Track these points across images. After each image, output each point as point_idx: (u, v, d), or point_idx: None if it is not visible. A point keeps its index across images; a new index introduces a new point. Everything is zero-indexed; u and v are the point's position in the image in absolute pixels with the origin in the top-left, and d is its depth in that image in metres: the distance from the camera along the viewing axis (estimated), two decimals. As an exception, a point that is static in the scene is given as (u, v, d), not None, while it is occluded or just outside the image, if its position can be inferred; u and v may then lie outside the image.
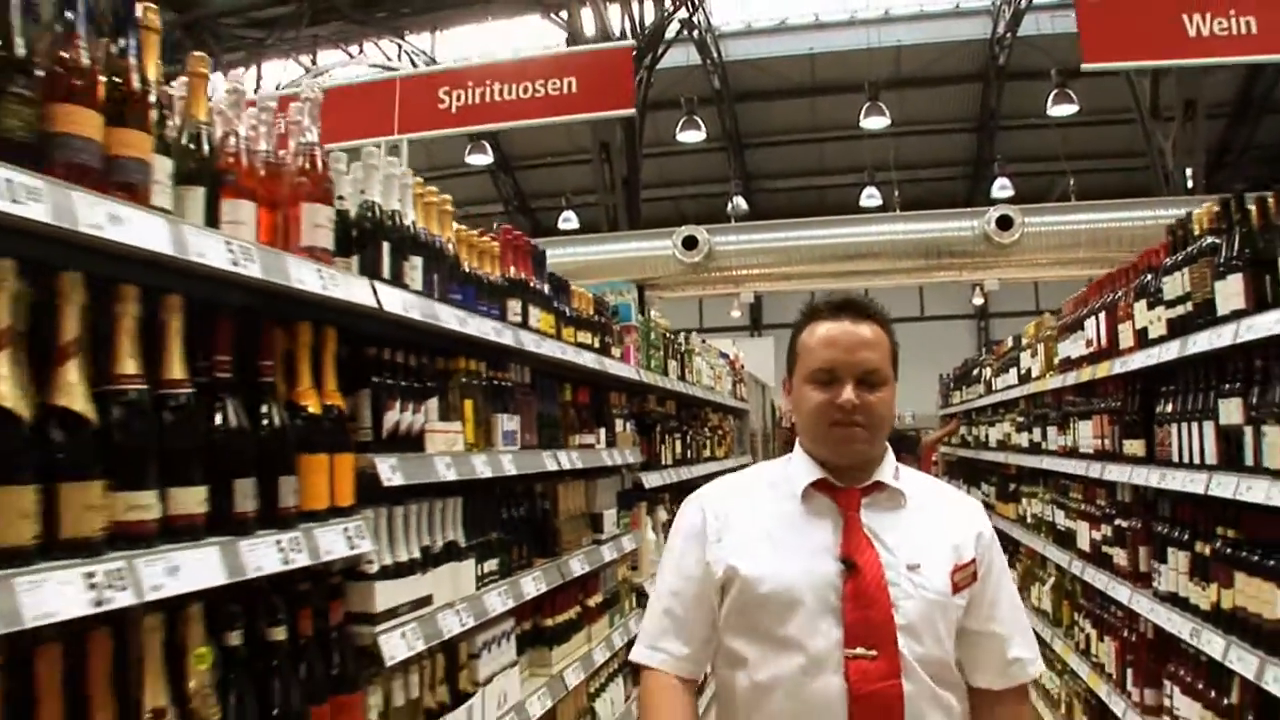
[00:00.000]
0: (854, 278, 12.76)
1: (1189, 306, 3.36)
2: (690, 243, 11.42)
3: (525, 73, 7.14)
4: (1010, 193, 18.45)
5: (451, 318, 2.69)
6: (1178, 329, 3.47)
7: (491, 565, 2.99)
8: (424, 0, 17.92)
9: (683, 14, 16.12)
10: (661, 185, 21.03)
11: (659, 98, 16.94)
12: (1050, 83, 15.62)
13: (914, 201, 21.46)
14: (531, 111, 7.15)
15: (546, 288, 3.67)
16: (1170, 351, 3.50)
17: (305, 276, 2.04)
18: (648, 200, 17.99)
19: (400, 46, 19.11)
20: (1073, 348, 5.06)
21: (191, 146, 1.84)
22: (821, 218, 12.80)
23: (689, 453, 6.13)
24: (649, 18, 15.56)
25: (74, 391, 1.53)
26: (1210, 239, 3.25)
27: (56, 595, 1.39)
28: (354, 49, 19.25)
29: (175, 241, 1.67)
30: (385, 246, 2.44)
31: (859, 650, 1.88)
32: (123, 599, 1.49)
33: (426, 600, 2.56)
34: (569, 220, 20.31)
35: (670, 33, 16.08)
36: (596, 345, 4.21)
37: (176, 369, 1.75)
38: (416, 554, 2.55)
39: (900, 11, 19.77)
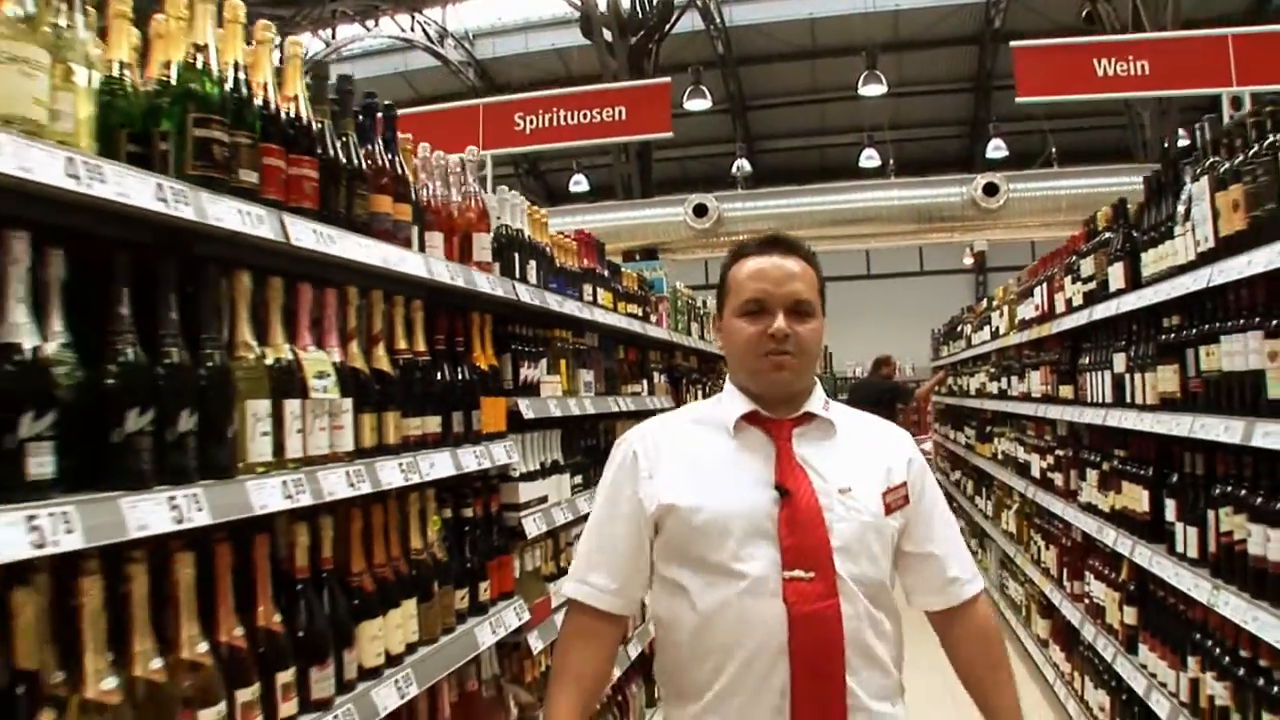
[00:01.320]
0: (852, 240, 13.92)
1: (1094, 284, 4.54)
2: (700, 210, 12.53)
3: (585, 102, 8.46)
4: (1004, 153, 19.49)
5: (553, 301, 3.85)
6: (1089, 300, 4.65)
7: (579, 479, 4.18)
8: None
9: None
10: (669, 147, 22.02)
11: (665, 62, 17.96)
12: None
13: (912, 160, 22.54)
14: (590, 134, 8.48)
15: (606, 272, 4.84)
16: (1084, 317, 4.68)
17: (481, 282, 3.20)
18: (656, 161, 19.09)
19: (413, 18, 20.06)
20: (1026, 310, 6.25)
21: (418, 204, 2.98)
22: (821, 185, 13.91)
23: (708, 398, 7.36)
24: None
25: (382, 359, 2.69)
26: (1107, 233, 4.41)
27: (391, 473, 2.55)
28: (370, 23, 20.19)
29: (428, 269, 2.82)
30: (516, 256, 3.60)
31: (796, 572, 1.94)
32: (414, 479, 2.66)
33: (544, 499, 3.75)
34: (579, 183, 21.38)
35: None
36: (640, 314, 5.38)
37: (421, 344, 2.91)
38: (537, 466, 3.74)
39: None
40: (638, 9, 15.47)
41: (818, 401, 2.13)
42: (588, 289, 4.46)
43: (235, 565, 2.02)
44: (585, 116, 8.64)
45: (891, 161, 20.85)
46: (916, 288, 24.14)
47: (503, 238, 3.55)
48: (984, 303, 8.93)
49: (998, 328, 7.72)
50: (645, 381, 5.47)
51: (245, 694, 1.95)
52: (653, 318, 5.73)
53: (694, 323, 7.00)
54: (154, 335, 1.83)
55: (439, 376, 2.95)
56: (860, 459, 2.10)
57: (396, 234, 2.71)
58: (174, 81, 1.96)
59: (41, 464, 1.54)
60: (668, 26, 16.34)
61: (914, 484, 2.13)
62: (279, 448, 2.12)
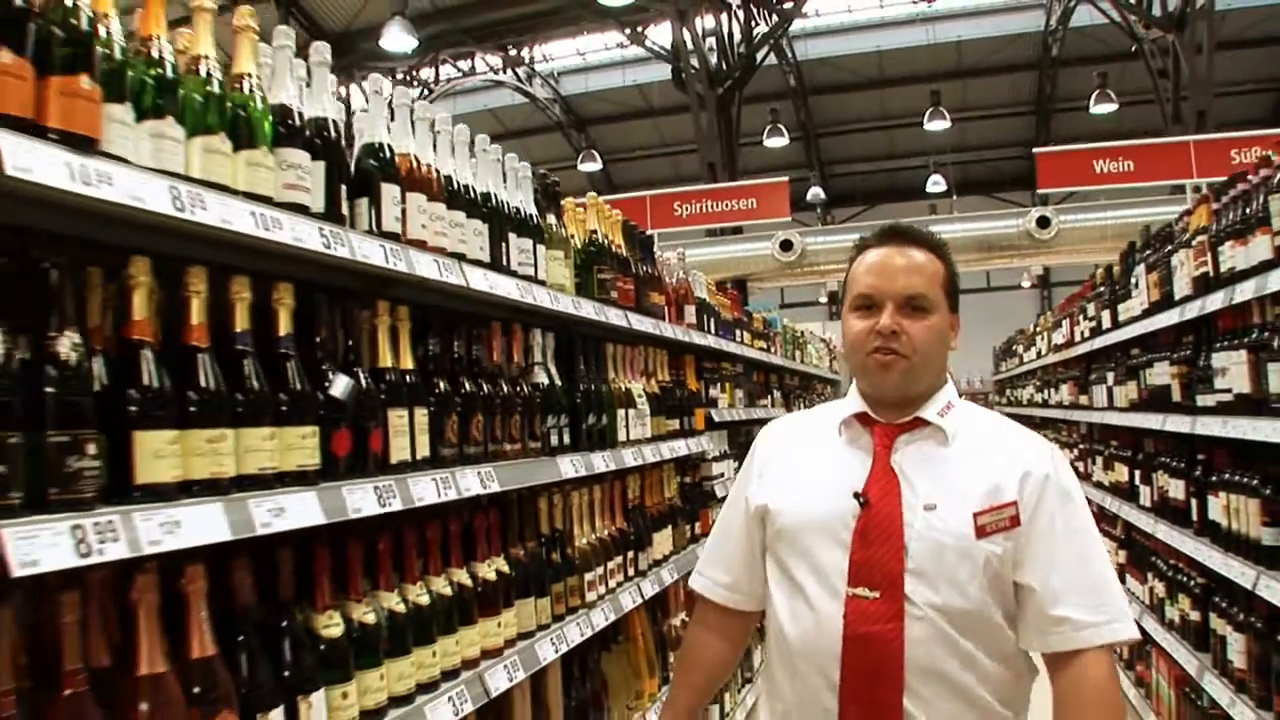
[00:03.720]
0: (921, 265, 16.04)
1: (1094, 322, 6.70)
2: (786, 245, 14.73)
3: (725, 195, 10.86)
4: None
5: (727, 345, 6.09)
6: (1092, 334, 6.81)
7: (737, 464, 6.43)
8: (527, 21, 21.27)
9: (763, 28, 19.30)
10: (744, 175, 24.28)
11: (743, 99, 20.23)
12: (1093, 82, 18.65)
13: (975, 180, 24.58)
14: (729, 217, 10.87)
15: (747, 318, 7.09)
16: (1089, 346, 6.84)
17: (695, 337, 5.43)
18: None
19: (504, 59, 22.52)
20: (1057, 337, 8.39)
21: (664, 292, 5.20)
22: (891, 221, 16.05)
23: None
24: (736, 34, 18.79)
25: (654, 386, 4.92)
26: (1102, 287, 6.57)
27: (664, 450, 4.77)
28: (464, 63, 22.68)
29: (673, 333, 5.07)
30: (705, 316, 5.84)
31: (860, 590, 1.90)
32: (668, 455, 4.88)
33: (722, 474, 5.97)
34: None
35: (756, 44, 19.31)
36: (765, 347, 7.62)
37: (667, 376, 5.14)
38: (719, 453, 5.97)
39: (959, 7, 22.73)
40: (723, 64, 17.77)
41: (935, 406, 2.04)
42: (738, 332, 6.70)
43: (610, 498, 4.23)
44: (725, 205, 11.07)
45: (955, 195, 22.80)
46: (982, 304, 26.01)
47: (697, 303, 5.80)
48: (1032, 327, 11.08)
49: (1040, 349, 9.85)
50: (769, 397, 7.70)
51: (613, 562, 4.15)
52: (772, 349, 7.96)
53: (797, 350, 9.22)
54: (573, 375, 4.01)
55: (676, 395, 5.17)
56: (963, 473, 1.96)
57: (658, 314, 4.95)
58: (591, 248, 4.16)
59: (562, 439, 3.75)
60: (751, 77, 18.60)
61: (1026, 503, 1.93)
62: (626, 434, 4.35)
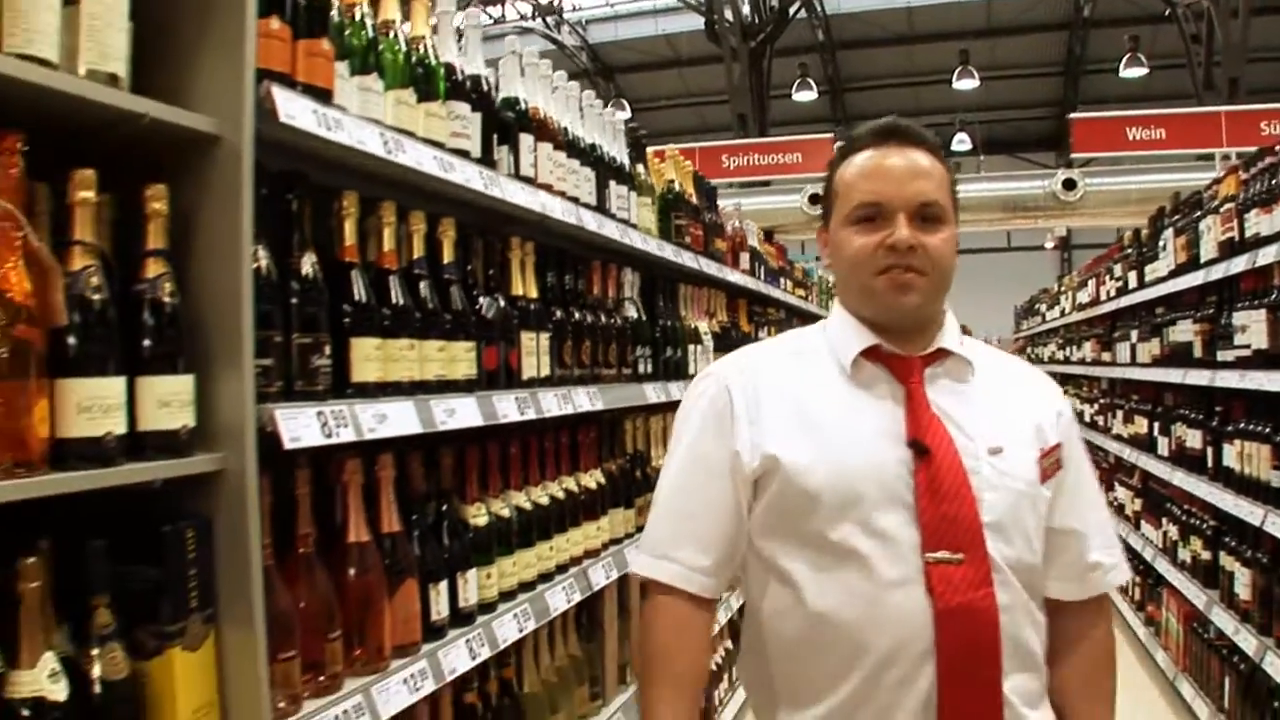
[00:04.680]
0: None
1: (1120, 282, 7.00)
2: (815, 199, 14.96)
3: (772, 149, 11.18)
4: (1091, 137, 21.57)
5: (774, 291, 6.41)
6: (1118, 293, 7.11)
7: None
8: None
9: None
10: (773, 128, 24.41)
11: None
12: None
13: (1000, 140, 24.66)
14: (776, 170, 11.19)
15: (789, 267, 7.39)
16: (1115, 305, 7.14)
17: (749, 282, 5.75)
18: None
19: (534, 7, 22.55)
20: (1082, 296, 8.69)
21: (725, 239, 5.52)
22: (888, 118, 16.25)
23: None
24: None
25: (715, 325, 5.26)
26: (1130, 249, 6.86)
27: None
28: (494, 10, 22.72)
29: (731, 278, 5.38)
30: (756, 263, 6.15)
31: (942, 554, 1.61)
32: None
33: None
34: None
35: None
36: (803, 295, 7.93)
37: (725, 316, 5.47)
38: None
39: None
40: (755, 18, 17.90)
41: (952, 335, 1.76)
42: (782, 280, 7.01)
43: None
44: (773, 159, 11.34)
45: (982, 155, 22.85)
46: (1002, 264, 26.22)
47: (750, 251, 6.11)
48: (1055, 286, 11.38)
49: (1064, 308, 10.15)
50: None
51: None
52: (809, 297, 8.27)
53: (830, 299, 9.54)
54: (654, 311, 4.33)
55: (733, 335, 5.50)
56: (1008, 411, 1.74)
57: (721, 259, 5.27)
58: (669, 195, 4.48)
59: (646, 367, 4.09)
60: (783, 30, 18.72)
61: (1065, 444, 1.78)
62: (695, 367, 4.68)
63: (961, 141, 22.76)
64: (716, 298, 5.25)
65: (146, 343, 1.67)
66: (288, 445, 1.80)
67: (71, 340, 1.53)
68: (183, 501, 1.79)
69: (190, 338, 1.75)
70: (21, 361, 1.45)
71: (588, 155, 3.42)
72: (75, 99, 1.56)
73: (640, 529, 3.77)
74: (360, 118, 2.16)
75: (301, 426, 1.85)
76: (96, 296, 1.57)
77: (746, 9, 17.99)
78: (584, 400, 3.17)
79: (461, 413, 2.41)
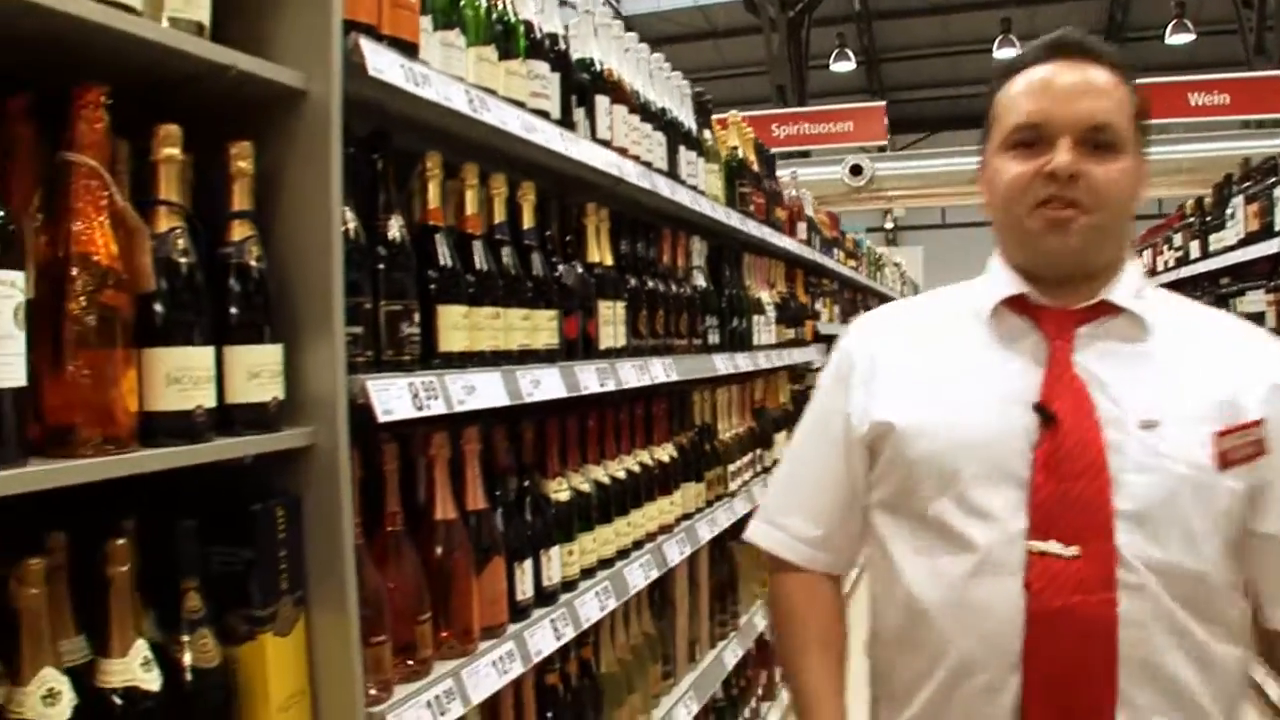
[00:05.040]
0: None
1: (1181, 252, 6.77)
2: (856, 170, 14.73)
3: (822, 118, 10.94)
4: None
5: (828, 262, 6.24)
6: (1178, 263, 6.89)
7: None
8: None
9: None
10: (811, 99, 24.10)
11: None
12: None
13: (1040, 111, 24.14)
14: (826, 139, 10.94)
15: (841, 238, 7.22)
16: (1174, 275, 6.92)
17: (807, 251, 5.59)
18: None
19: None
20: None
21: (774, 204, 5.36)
22: (963, 147, 15.95)
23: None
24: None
25: (775, 295, 5.10)
26: (1192, 218, 6.63)
27: (786, 358, 4.95)
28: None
29: (791, 247, 5.22)
30: (813, 233, 5.98)
31: (1051, 545, 1.32)
32: (788, 362, 5.07)
33: (823, 384, 6.18)
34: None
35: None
36: (854, 266, 7.75)
37: (784, 287, 5.31)
38: (821, 364, 6.16)
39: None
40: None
41: (1126, 286, 1.45)
42: (834, 251, 6.84)
43: (744, 397, 4.43)
44: (823, 128, 11.12)
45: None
46: (1040, 233, 25.72)
47: (807, 221, 5.94)
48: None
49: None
50: (857, 314, 7.87)
51: (746, 457, 4.37)
52: (859, 269, 8.10)
53: (877, 271, 9.35)
54: (720, 281, 4.20)
55: (791, 306, 5.35)
56: (1183, 378, 1.40)
57: (781, 228, 5.11)
58: (733, 162, 4.33)
59: (714, 338, 3.95)
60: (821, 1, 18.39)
61: (1275, 423, 1.37)
62: (758, 338, 4.54)
63: (1001, 112, 22.26)
64: (776, 268, 5.10)
65: (234, 310, 1.55)
66: (381, 418, 1.68)
67: (160, 307, 1.41)
68: (269, 478, 1.67)
69: (277, 305, 1.62)
70: (109, 330, 1.33)
71: (659, 119, 3.27)
72: (159, 48, 1.43)
73: (710, 504, 3.70)
74: (443, 74, 2.02)
75: (393, 398, 1.72)
76: (184, 260, 1.45)
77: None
78: (660, 371, 3.04)
79: (546, 384, 2.28)
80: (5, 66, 1.41)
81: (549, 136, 2.38)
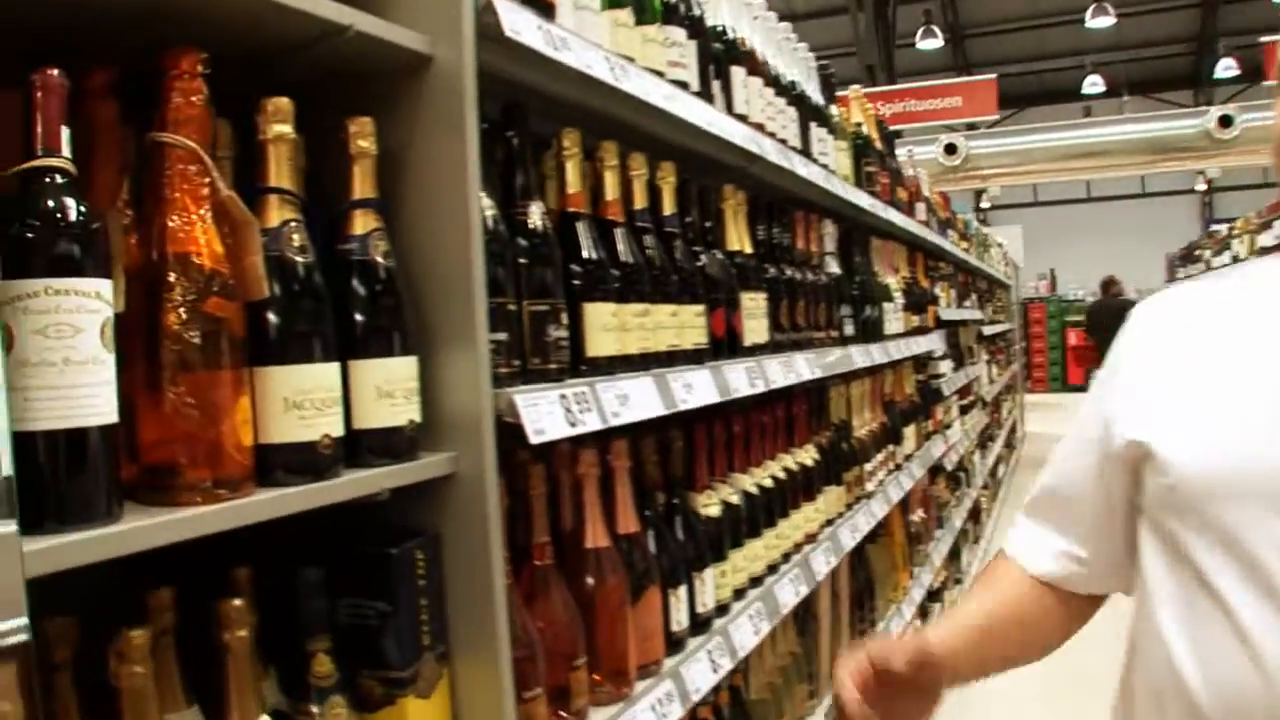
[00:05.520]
0: (1084, 172, 15.30)
1: None
2: (950, 149, 14.17)
3: (930, 93, 10.49)
4: (1235, 72, 20.10)
5: (945, 243, 5.84)
6: None
7: (955, 363, 6.20)
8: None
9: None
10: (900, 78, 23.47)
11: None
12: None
13: (1134, 81, 23.25)
14: (936, 115, 10.46)
15: (953, 217, 6.80)
16: None
17: (925, 232, 5.20)
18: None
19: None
20: (1265, 239, 7.88)
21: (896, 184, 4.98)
22: (1059, 123, 15.28)
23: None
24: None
25: (900, 280, 4.73)
26: None
27: (910, 348, 4.58)
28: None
29: (912, 229, 4.84)
30: (934, 218, 5.59)
31: None
32: (910, 353, 4.69)
33: (943, 374, 5.78)
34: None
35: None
36: (966, 248, 7.32)
37: (907, 271, 4.94)
38: (942, 352, 5.77)
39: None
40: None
41: None
42: (948, 232, 6.43)
43: (876, 391, 4.09)
44: (931, 104, 10.65)
45: (1126, 95, 21.59)
46: (1138, 211, 24.82)
47: (925, 200, 5.55)
48: (1224, 229, 10.44)
49: (1238, 252, 9.27)
50: (969, 298, 7.43)
51: (881, 454, 4.01)
52: (970, 250, 7.66)
53: (984, 251, 8.89)
54: (850, 267, 3.84)
55: (914, 290, 4.98)
56: None
57: (904, 209, 4.74)
58: (858, 140, 3.98)
59: (849, 329, 3.60)
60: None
61: None
62: (888, 327, 4.18)
63: (1094, 84, 21.47)
64: (898, 251, 4.73)
65: (360, 318, 1.27)
66: (533, 438, 1.39)
67: (276, 317, 1.13)
68: (403, 512, 1.39)
69: (408, 309, 1.34)
70: (215, 347, 1.06)
71: (789, 93, 2.95)
72: (266, 5, 1.15)
73: (849, 507, 3.36)
74: (580, 38, 1.73)
75: (544, 414, 1.43)
76: (302, 259, 1.18)
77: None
78: (804, 368, 2.72)
79: (699, 388, 1.98)
80: (80, 38, 1.14)
81: (691, 110, 2.07)
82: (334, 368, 1.19)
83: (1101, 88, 21.61)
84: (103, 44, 1.13)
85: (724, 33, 2.48)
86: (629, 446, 1.89)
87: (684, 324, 2.03)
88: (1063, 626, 1.34)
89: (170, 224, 1.04)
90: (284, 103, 1.18)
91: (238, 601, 1.15)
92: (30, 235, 0.90)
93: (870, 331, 3.71)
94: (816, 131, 3.17)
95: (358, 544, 1.33)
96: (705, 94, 2.23)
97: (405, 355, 1.30)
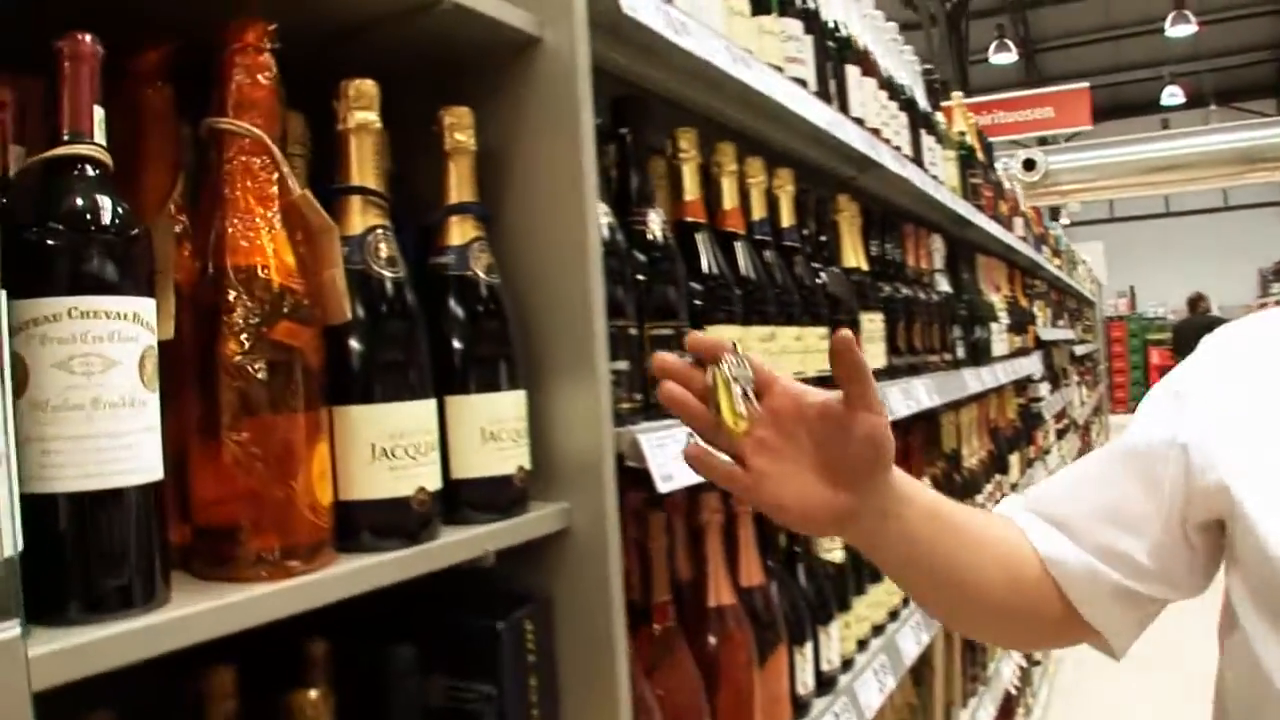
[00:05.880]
0: (1166, 185, 14.75)
1: None
2: (1030, 164, 13.73)
3: (1021, 104, 10.14)
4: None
5: (1038, 257, 5.51)
6: None
7: (1051, 385, 5.85)
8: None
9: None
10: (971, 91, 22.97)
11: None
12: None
13: (1218, 92, 22.50)
14: (1026, 128, 10.09)
15: (1046, 233, 6.46)
16: None
17: (1029, 250, 4.89)
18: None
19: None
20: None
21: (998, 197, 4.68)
22: (1140, 135, 14.76)
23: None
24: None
25: (1004, 298, 4.43)
26: None
27: (1005, 372, 4.27)
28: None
29: (1013, 245, 4.53)
30: (1030, 234, 5.27)
31: None
32: (1012, 378, 4.38)
33: (1042, 397, 5.44)
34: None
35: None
36: (1059, 264, 6.97)
37: (1008, 290, 4.63)
38: (1042, 374, 5.43)
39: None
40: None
41: None
42: (1044, 247, 6.10)
43: (983, 417, 3.79)
44: (1022, 115, 10.30)
45: (1213, 105, 20.94)
46: (1222, 225, 23.94)
47: (1023, 215, 5.24)
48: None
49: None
50: (1063, 316, 7.07)
51: (990, 484, 3.71)
52: (1062, 267, 7.30)
53: (1073, 268, 8.51)
54: (958, 284, 3.55)
55: (1017, 309, 4.67)
56: None
57: (1005, 223, 4.44)
58: (963, 150, 3.70)
59: (960, 351, 3.31)
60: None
61: None
62: (996, 348, 3.88)
63: (1173, 95, 20.80)
64: (999, 268, 4.44)
65: (459, 345, 1.04)
66: (661, 486, 1.15)
67: (362, 345, 0.91)
68: (506, 571, 1.16)
69: (516, 334, 1.11)
70: (287, 382, 0.83)
71: (900, 96, 2.69)
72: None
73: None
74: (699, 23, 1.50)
75: (672, 456, 1.19)
76: (391, 274, 0.95)
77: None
78: (924, 395, 2.45)
79: (826, 421, 1.72)
80: (125, 15, 0.93)
81: (812, 110, 1.83)
82: (430, 406, 0.96)
83: (1181, 99, 20.94)
84: (150, 21, 0.92)
85: (836, 29, 2.24)
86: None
87: (808, 348, 1.78)
88: (1036, 624, 1.07)
89: (230, 230, 0.82)
90: (368, 85, 0.96)
91: (314, 693, 0.92)
92: (51, 241, 0.69)
93: (980, 354, 3.42)
94: (926, 140, 2.90)
95: (456, 614, 1.10)
96: (824, 94, 1.99)
97: (513, 389, 1.07)
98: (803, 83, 1.88)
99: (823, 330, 1.84)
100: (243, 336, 0.81)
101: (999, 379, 3.66)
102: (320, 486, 0.87)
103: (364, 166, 0.96)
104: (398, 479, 0.92)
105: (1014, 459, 4.23)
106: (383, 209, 0.97)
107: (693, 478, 1.21)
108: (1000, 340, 3.90)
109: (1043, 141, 15.75)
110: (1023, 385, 5.01)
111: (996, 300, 3.99)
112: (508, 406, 1.06)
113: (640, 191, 1.36)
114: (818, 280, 1.95)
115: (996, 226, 3.94)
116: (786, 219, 1.87)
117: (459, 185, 1.08)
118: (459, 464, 1.03)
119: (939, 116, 3.25)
